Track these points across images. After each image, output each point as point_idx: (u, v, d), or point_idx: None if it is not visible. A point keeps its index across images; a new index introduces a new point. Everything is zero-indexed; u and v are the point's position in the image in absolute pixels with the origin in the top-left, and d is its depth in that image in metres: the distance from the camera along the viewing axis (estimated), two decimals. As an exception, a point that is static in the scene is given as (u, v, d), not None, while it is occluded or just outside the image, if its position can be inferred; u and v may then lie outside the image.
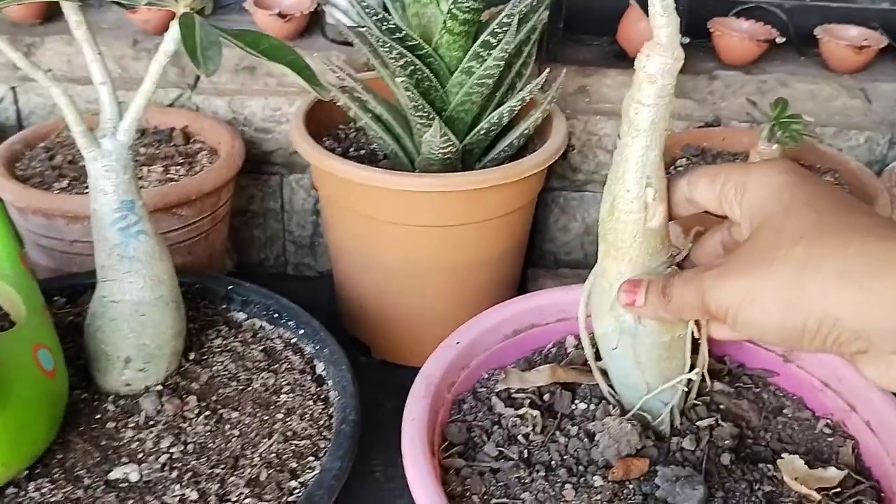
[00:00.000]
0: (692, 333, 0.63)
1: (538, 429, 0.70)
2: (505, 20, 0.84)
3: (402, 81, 0.84)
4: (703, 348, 0.64)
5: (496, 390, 0.74)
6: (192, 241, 0.95)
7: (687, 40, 1.24)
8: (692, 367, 0.64)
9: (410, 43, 0.86)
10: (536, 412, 0.70)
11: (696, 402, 0.71)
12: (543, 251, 1.22)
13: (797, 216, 0.46)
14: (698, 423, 0.69)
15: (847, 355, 0.45)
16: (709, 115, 1.13)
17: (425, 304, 0.97)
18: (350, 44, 1.21)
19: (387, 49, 0.84)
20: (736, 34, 1.27)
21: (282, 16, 1.23)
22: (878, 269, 0.42)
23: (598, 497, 0.64)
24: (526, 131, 0.93)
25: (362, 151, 1.01)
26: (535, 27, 0.93)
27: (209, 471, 0.68)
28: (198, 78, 1.14)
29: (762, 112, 0.95)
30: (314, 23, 1.30)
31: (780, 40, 1.27)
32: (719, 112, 1.14)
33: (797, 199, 0.47)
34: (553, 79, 0.95)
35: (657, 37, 0.54)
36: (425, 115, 0.87)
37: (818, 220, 0.45)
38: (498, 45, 0.85)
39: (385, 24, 0.85)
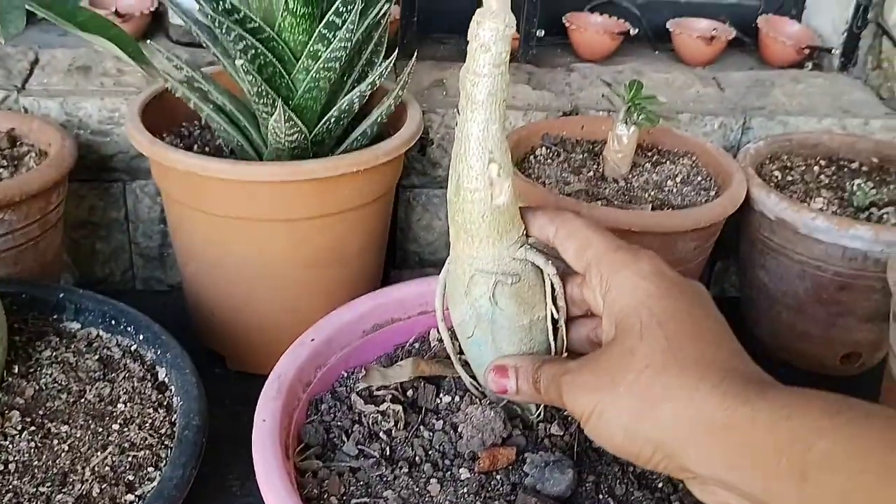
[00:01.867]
0: (552, 314, 0.60)
1: (401, 424, 0.66)
2: (348, -1, 0.81)
3: (243, 65, 0.79)
4: (562, 331, 0.61)
5: (357, 389, 0.69)
6: (18, 250, 0.87)
7: (542, 33, 1.24)
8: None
9: (251, 25, 0.81)
10: (399, 407, 0.66)
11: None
12: (407, 251, 1.18)
13: (649, 339, 0.47)
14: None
15: (674, 476, 0.48)
16: (567, 105, 1.12)
17: (280, 306, 0.91)
18: (195, 45, 1.16)
19: (224, 31, 0.79)
20: (591, 28, 1.28)
21: (119, 15, 1.17)
22: (707, 418, 0.43)
23: (465, 490, 0.60)
24: (379, 119, 0.89)
25: (207, 148, 0.95)
26: (384, 11, 0.89)
27: (33, 490, 0.61)
28: (26, 79, 1.05)
29: (618, 95, 0.95)
30: (157, 24, 1.24)
31: (633, 32, 1.28)
32: (577, 102, 1.13)
33: (653, 319, 0.48)
34: (405, 67, 0.91)
35: (487, 3, 0.51)
36: (269, 101, 0.82)
37: (666, 349, 0.46)
38: (343, 25, 0.81)
39: (222, 4, 0.80)
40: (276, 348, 0.67)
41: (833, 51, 1.28)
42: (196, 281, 0.94)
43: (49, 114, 1.02)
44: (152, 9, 1.21)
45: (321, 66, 0.83)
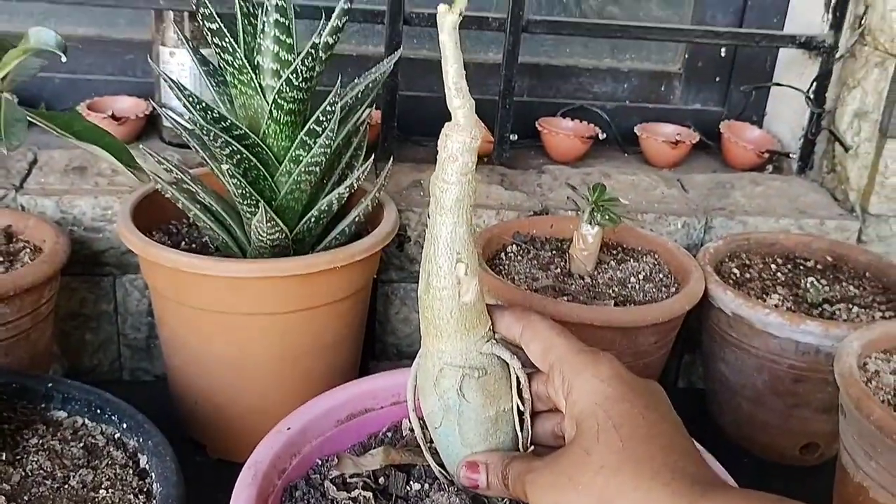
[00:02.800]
0: (517, 406, 0.64)
1: (372, 512, 0.69)
2: (328, 108, 0.87)
3: (228, 169, 0.85)
4: (528, 423, 0.65)
5: (330, 476, 0.72)
6: (10, 341, 0.91)
7: (515, 137, 1.31)
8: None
9: (237, 132, 0.87)
10: (370, 494, 0.69)
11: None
12: (386, 343, 1.23)
13: (605, 441, 0.51)
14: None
15: None
16: (538, 205, 1.18)
17: (260, 396, 0.95)
18: (186, 146, 1.22)
19: (212, 138, 0.85)
20: (562, 132, 1.35)
21: (115, 118, 1.23)
22: None
23: (433, 574, 0.63)
24: (357, 219, 0.95)
25: (194, 245, 1.00)
26: (363, 118, 0.96)
27: (14, 576, 0.63)
28: (24, 179, 1.11)
29: (582, 196, 1.00)
30: (151, 126, 1.30)
31: (602, 136, 1.36)
32: (547, 202, 1.19)
33: (609, 421, 0.51)
34: (384, 169, 0.97)
35: (455, 118, 0.56)
36: (253, 202, 0.87)
37: (621, 450, 0.50)
38: (323, 132, 0.87)
39: (210, 113, 0.86)
40: (255, 436, 0.70)
41: (791, 155, 1.35)
42: (180, 372, 0.98)
43: (45, 212, 1.07)
44: (147, 112, 1.27)
45: (302, 169, 0.89)
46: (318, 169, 0.90)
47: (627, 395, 0.53)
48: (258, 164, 0.89)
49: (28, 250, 0.98)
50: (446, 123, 0.57)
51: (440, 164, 0.58)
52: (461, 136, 0.56)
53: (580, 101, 1.45)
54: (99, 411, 0.81)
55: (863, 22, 1.24)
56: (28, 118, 0.66)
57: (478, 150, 0.57)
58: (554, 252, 1.09)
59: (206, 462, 1.01)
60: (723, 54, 1.45)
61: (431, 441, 0.68)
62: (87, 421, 0.82)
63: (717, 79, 1.47)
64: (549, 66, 1.45)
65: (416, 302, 1.20)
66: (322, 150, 0.88)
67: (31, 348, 0.95)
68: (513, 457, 0.60)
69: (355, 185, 0.92)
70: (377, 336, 1.22)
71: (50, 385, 0.83)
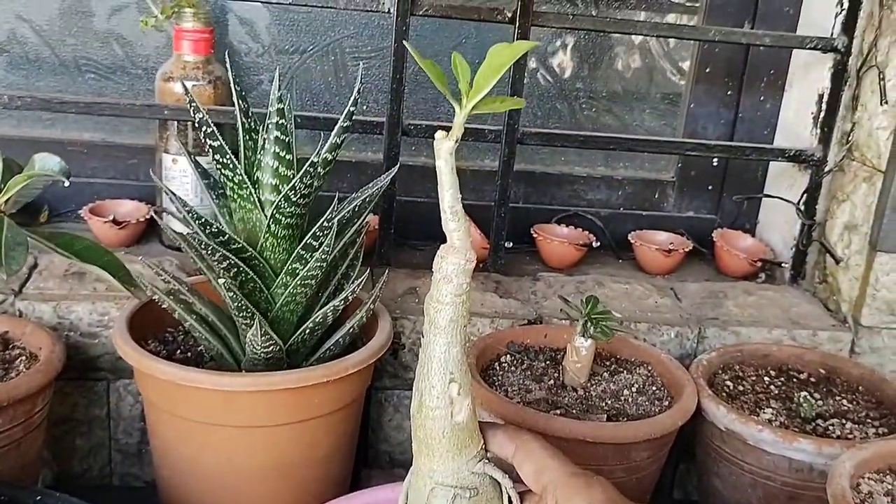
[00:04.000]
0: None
1: None
2: (325, 224, 0.88)
3: (224, 283, 0.86)
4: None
5: None
6: (1, 451, 0.90)
7: (510, 244, 1.33)
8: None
9: (234, 246, 0.88)
10: None
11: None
12: (378, 451, 1.22)
13: None
14: None
15: None
16: (532, 313, 1.19)
17: (251, 508, 0.94)
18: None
19: (209, 252, 0.86)
20: (556, 240, 1.37)
21: (116, 223, 1.25)
22: None
23: None
24: (351, 330, 0.96)
25: (189, 354, 1.01)
26: (360, 231, 0.97)
27: None
28: (23, 284, 1.12)
29: (574, 307, 1.01)
30: (152, 230, 1.32)
31: (595, 244, 1.37)
32: (542, 310, 1.20)
33: None
34: (379, 280, 0.98)
35: (450, 240, 0.58)
36: (249, 315, 0.88)
37: None
38: (319, 247, 0.89)
39: (209, 228, 0.88)
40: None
41: (783, 264, 1.37)
42: (170, 483, 0.97)
43: (42, 317, 1.08)
44: (147, 217, 1.29)
45: (298, 282, 0.91)
46: (313, 282, 0.91)
47: None
48: (255, 277, 0.90)
49: (24, 358, 0.98)
50: (442, 245, 0.58)
51: (435, 284, 0.59)
52: (456, 259, 0.58)
53: (575, 208, 1.47)
54: (87, 526, 0.81)
55: (850, 138, 1.27)
56: (29, 238, 0.68)
57: (473, 263, 0.58)
58: (548, 363, 1.09)
59: (193, 575, 0.99)
60: (715, 164, 1.48)
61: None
62: (75, 536, 0.81)
63: (710, 187, 1.49)
64: (545, 174, 1.48)
65: (409, 409, 1.20)
66: (318, 264, 0.89)
67: (22, 458, 0.94)
68: None
69: (350, 298, 0.93)
70: (370, 443, 1.21)
71: (38, 498, 0.83)
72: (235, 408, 0.88)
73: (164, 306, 0.94)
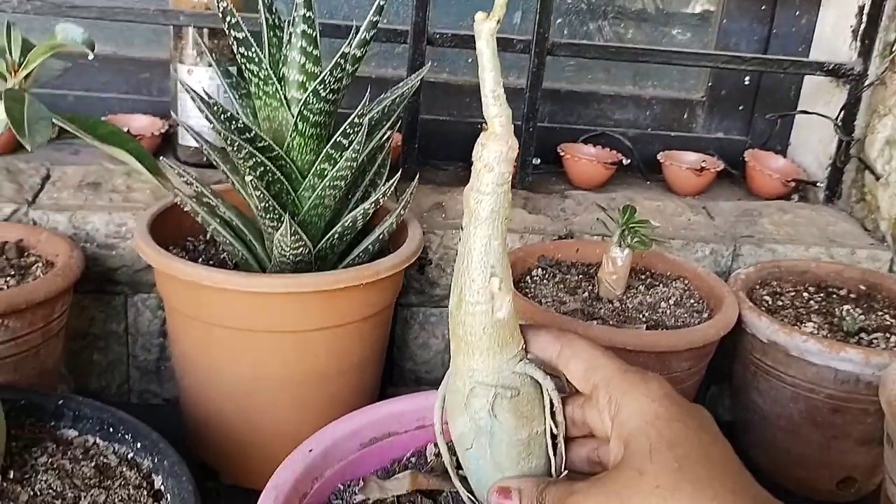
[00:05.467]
0: (550, 430, 0.61)
1: (397, 538, 0.65)
2: (356, 120, 0.84)
3: (251, 181, 0.82)
4: (561, 446, 0.61)
5: (354, 501, 0.69)
6: (19, 357, 0.87)
7: (538, 161, 1.29)
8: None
9: (260, 144, 0.84)
10: (395, 520, 0.66)
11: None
12: (404, 370, 1.19)
13: (659, 461, 0.48)
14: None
15: None
16: (562, 229, 1.15)
17: (278, 419, 0.91)
18: (203, 165, 1.20)
19: (235, 149, 0.82)
20: (584, 158, 1.33)
21: (131, 135, 1.20)
22: None
23: None
24: (381, 236, 0.92)
25: (211, 262, 0.97)
26: (387, 135, 0.93)
27: None
28: (37, 194, 1.08)
29: (612, 219, 0.98)
30: (167, 145, 1.28)
31: (626, 162, 1.33)
32: (572, 227, 1.16)
33: (663, 440, 0.49)
34: (407, 188, 0.95)
35: (492, 126, 0.54)
36: (276, 216, 0.84)
37: (676, 472, 0.47)
38: (350, 146, 0.85)
39: (234, 123, 0.83)
40: (271, 462, 0.67)
41: (818, 184, 1.33)
42: (192, 392, 0.94)
43: (57, 227, 1.04)
44: (163, 130, 1.25)
45: (327, 184, 0.87)
46: (342, 184, 0.87)
47: (680, 416, 0.50)
48: (282, 178, 0.86)
49: (40, 265, 0.95)
50: (482, 132, 0.54)
51: (475, 173, 0.55)
52: (498, 146, 0.54)
53: (602, 128, 1.42)
54: (111, 430, 0.78)
55: (893, 49, 1.22)
56: (53, 120, 0.63)
57: (516, 151, 0.54)
58: (581, 276, 1.06)
59: (217, 488, 0.97)
60: (747, 82, 1.43)
61: (459, 466, 0.64)
62: (98, 440, 0.78)
63: (741, 107, 1.45)
64: (571, 93, 1.43)
65: (435, 327, 1.17)
66: (348, 163, 0.85)
67: (40, 366, 0.91)
68: (548, 481, 0.57)
69: (381, 200, 0.89)
70: (395, 361, 1.18)
71: (60, 402, 0.80)
72: (263, 312, 0.84)
73: (186, 209, 0.90)
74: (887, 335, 0.99)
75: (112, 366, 1.13)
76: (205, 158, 1.22)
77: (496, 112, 0.53)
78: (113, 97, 1.33)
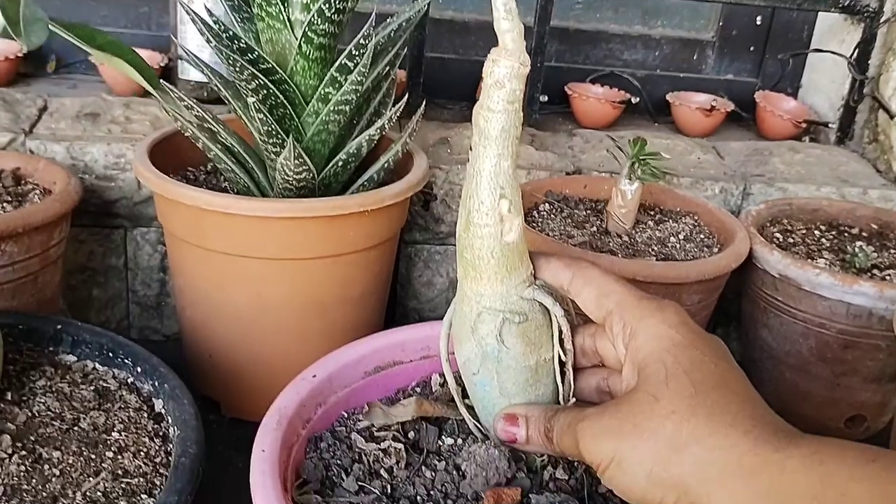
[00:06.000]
0: (559, 357, 0.59)
1: (402, 464, 0.64)
2: (361, 41, 0.82)
3: (254, 103, 0.79)
4: (569, 374, 0.60)
5: (358, 428, 0.67)
6: (17, 283, 0.86)
7: (545, 98, 1.26)
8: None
9: (263, 66, 0.82)
10: (400, 445, 0.64)
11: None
12: (407, 308, 1.17)
13: (675, 387, 0.46)
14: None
15: None
16: (569, 166, 1.13)
17: (279, 350, 0.90)
18: (204, 101, 1.17)
19: (237, 70, 0.80)
20: (592, 97, 1.30)
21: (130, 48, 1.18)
22: (736, 463, 0.42)
23: (469, 529, 0.58)
24: (386, 165, 0.90)
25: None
26: (394, 61, 0.91)
27: (21, 512, 0.58)
28: (34, 124, 1.06)
29: (623, 151, 0.96)
30: (166, 79, 1.25)
31: (634, 101, 1.31)
32: (580, 164, 1.14)
33: (679, 366, 0.47)
34: (414, 115, 0.92)
35: (503, 42, 0.52)
36: (278, 141, 0.82)
37: (693, 397, 0.45)
38: (355, 68, 0.82)
39: (237, 43, 0.81)
40: (272, 394, 0.65)
41: (830, 125, 1.30)
42: (194, 324, 0.93)
43: (55, 157, 1.02)
44: (162, 64, 1.22)
45: (331, 108, 0.84)
46: (347, 109, 0.85)
47: (696, 343, 0.49)
48: (285, 102, 0.84)
49: (37, 192, 0.93)
50: (493, 49, 0.52)
51: (485, 91, 0.53)
52: (509, 62, 0.51)
53: (610, 68, 1.40)
54: (111, 355, 0.77)
55: (911, -16, 1.19)
56: (50, 26, 0.61)
57: (527, 69, 0.52)
58: (589, 212, 1.04)
59: (219, 421, 0.96)
60: (758, 22, 1.40)
61: (465, 395, 0.63)
62: (97, 365, 0.77)
63: (752, 48, 1.42)
64: (579, 31, 1.40)
65: (439, 265, 1.15)
66: (353, 87, 0.83)
67: (39, 293, 0.89)
68: (557, 408, 0.55)
69: (386, 126, 0.87)
70: (398, 300, 1.17)
71: (59, 327, 0.78)
72: (266, 237, 0.82)
73: (186, 134, 0.88)
74: (900, 272, 0.98)
75: (112, 301, 1.12)
76: (206, 94, 1.20)
77: (508, 27, 0.51)
78: (112, 31, 1.29)
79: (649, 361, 0.49)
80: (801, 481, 0.39)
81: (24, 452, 0.64)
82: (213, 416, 0.96)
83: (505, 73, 0.52)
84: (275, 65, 0.83)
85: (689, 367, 0.47)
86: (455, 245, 0.57)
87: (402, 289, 1.16)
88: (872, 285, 0.89)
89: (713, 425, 0.44)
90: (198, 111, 0.87)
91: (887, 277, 0.96)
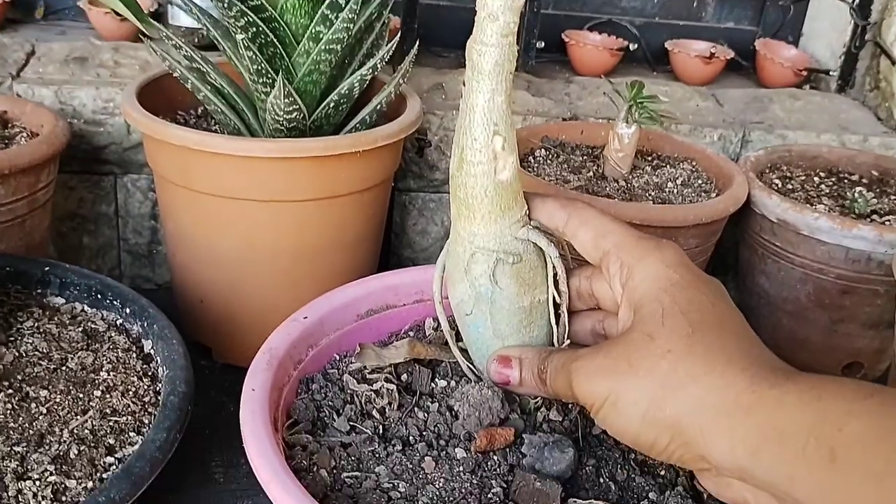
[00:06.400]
0: (553, 298, 0.58)
1: (395, 405, 0.63)
2: (353, -23, 0.80)
3: (243, 40, 0.78)
4: (564, 316, 0.59)
5: (350, 370, 0.67)
6: (4, 226, 0.85)
7: (541, 44, 1.24)
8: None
9: (253, 2, 0.80)
10: (393, 387, 0.64)
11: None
12: (402, 257, 1.16)
13: (671, 326, 0.46)
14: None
15: (689, 468, 0.47)
16: (566, 112, 1.11)
17: (270, 295, 0.89)
18: (195, 46, 1.15)
19: (226, 6, 0.78)
20: (589, 44, 1.28)
21: (118, 15, 1.15)
22: (732, 401, 0.42)
23: (461, 468, 0.57)
24: (379, 107, 0.88)
25: (203, 134, 0.93)
26: (386, 1, 0.89)
27: (7, 449, 0.58)
28: (21, 68, 1.04)
29: (620, 94, 0.94)
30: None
31: (632, 48, 1.28)
32: (576, 110, 1.12)
33: (676, 306, 0.46)
34: (408, 55, 0.90)
35: None
36: (269, 81, 0.80)
37: (689, 336, 0.45)
38: (346, 6, 0.80)
39: (224, -22, 0.79)
40: (262, 340, 0.64)
41: (831, 73, 1.29)
42: (185, 269, 0.92)
43: (43, 101, 1.00)
44: (152, 9, 1.20)
45: (322, 48, 0.82)
46: (338, 48, 0.83)
47: (695, 283, 0.48)
48: (275, 41, 0.82)
49: (24, 135, 0.92)
50: None
51: (478, 24, 0.51)
52: None
53: (608, 16, 1.37)
54: (99, 297, 0.76)
55: (916, -74, 1.17)
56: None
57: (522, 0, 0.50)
58: (585, 157, 1.02)
59: (211, 367, 0.95)
60: (760, -32, 1.37)
61: (459, 338, 0.62)
62: (86, 307, 0.76)
63: (753, -5, 1.40)
64: (577, -23, 1.38)
65: (434, 213, 1.14)
66: (344, 25, 0.81)
67: (27, 237, 0.88)
68: (551, 350, 0.55)
69: (378, 66, 0.85)
70: (392, 249, 1.15)
71: (47, 269, 0.77)
72: (257, 179, 0.81)
73: (175, 75, 0.86)
74: (900, 218, 0.97)
75: (103, 249, 1.10)
76: (197, 40, 1.17)
77: None
78: (100, -24, 1.28)
79: (646, 301, 0.48)
80: (798, 418, 0.39)
81: (10, 391, 0.63)
82: (206, 361, 0.95)
83: (499, 4, 0.50)
84: (264, 2, 0.81)
85: (686, 306, 0.46)
86: (449, 193, 0.56)
87: (397, 237, 1.15)
88: (872, 229, 0.88)
89: (710, 364, 0.43)
90: (186, 51, 0.85)
91: (887, 223, 0.95)
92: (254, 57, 0.79)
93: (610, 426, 0.47)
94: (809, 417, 0.38)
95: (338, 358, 0.68)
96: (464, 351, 0.62)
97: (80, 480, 0.56)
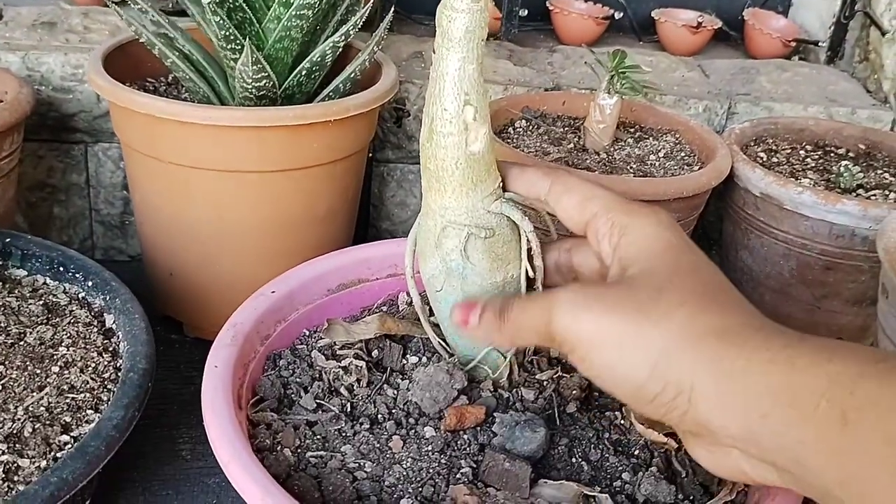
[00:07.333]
0: (526, 273, 0.56)
1: (364, 381, 0.61)
2: (324, -61, 0.77)
3: (209, 4, 0.75)
4: (539, 291, 0.57)
5: (318, 346, 0.65)
6: (-35, 196, 0.82)
7: (524, 12, 1.21)
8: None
9: (220, -35, 0.77)
10: (362, 363, 0.62)
11: (535, 356, 0.63)
12: (380, 230, 1.14)
13: (682, 281, 0.43)
14: (539, 375, 0.62)
15: (680, 431, 0.45)
16: (548, 82, 1.09)
17: (241, 268, 0.86)
18: (166, 12, 1.12)
19: (192, -31, 0.75)
20: (574, 13, 1.25)
21: (90, -23, 1.12)
22: (746, 363, 0.39)
23: (430, 448, 0.56)
24: (353, 75, 0.86)
25: (172, 103, 0.91)
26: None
27: (-44, 427, 0.56)
28: (-13, 33, 1.01)
29: (603, 65, 0.91)
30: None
31: (618, 16, 1.26)
32: (559, 80, 1.10)
33: (682, 264, 0.44)
34: (382, 21, 0.88)
35: None
36: (237, 47, 0.78)
37: (704, 293, 0.42)
38: (318, -32, 0.78)
39: (190, -60, 0.76)
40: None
41: (820, 44, 1.26)
42: (154, 241, 0.89)
43: (10, 67, 0.97)
44: (124, -27, 1.17)
45: (293, 13, 0.80)
46: (310, 13, 0.81)
47: (693, 248, 0.45)
48: (244, 6, 0.79)
49: (-13, 102, 0.89)
50: None
51: None
52: None
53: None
54: (62, 269, 0.74)
55: None
56: None
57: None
58: (566, 128, 1.00)
59: (181, 340, 0.93)
60: (749, -64, 1.35)
61: (431, 313, 0.60)
62: (48, 280, 0.74)
63: (742, -37, 1.37)
64: (562, -56, 1.34)
65: (413, 184, 1.12)
66: (316, -12, 0.78)
67: (-9, 208, 0.86)
68: (520, 296, 0.52)
69: (352, 32, 0.83)
70: (371, 221, 1.13)
71: (7, 240, 0.75)
72: (223, 149, 0.78)
73: (142, 41, 0.83)
74: (886, 192, 0.95)
75: (74, 220, 1.08)
76: (170, 5, 1.14)
77: None
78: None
79: (643, 257, 0.45)
80: (810, 381, 0.37)
81: (-37, 367, 0.61)
82: (177, 335, 0.93)
83: (469, -31, 0.48)
84: (232, -35, 0.78)
85: (690, 268, 0.44)
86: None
87: (375, 209, 1.13)
88: (856, 204, 0.86)
89: (727, 320, 0.41)
90: (153, 16, 0.82)
91: (872, 197, 0.93)
92: (221, 22, 0.76)
93: (604, 372, 0.43)
94: (821, 380, 0.36)
95: (307, 333, 0.66)
96: (436, 326, 0.61)
97: (33, 460, 0.54)
